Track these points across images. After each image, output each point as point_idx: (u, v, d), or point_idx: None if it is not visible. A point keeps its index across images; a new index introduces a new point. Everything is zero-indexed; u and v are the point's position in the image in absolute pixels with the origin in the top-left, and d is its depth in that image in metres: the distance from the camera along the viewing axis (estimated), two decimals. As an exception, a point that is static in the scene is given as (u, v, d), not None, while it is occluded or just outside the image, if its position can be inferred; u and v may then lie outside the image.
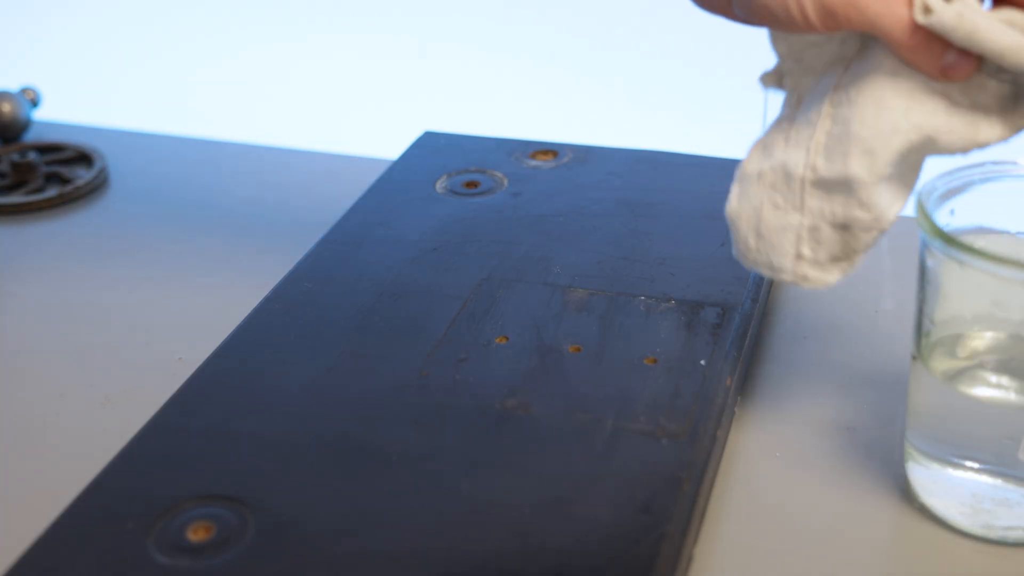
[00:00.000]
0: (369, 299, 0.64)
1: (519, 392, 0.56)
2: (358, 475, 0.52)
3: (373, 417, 0.55)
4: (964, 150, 0.47)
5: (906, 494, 0.54)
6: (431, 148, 0.80)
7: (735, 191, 0.50)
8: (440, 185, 0.75)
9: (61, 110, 0.98)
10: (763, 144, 0.50)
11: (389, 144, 0.85)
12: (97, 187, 0.85)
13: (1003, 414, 0.51)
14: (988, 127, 0.46)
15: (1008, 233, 0.52)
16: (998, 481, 0.50)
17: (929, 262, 0.49)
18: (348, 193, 0.77)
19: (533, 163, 0.77)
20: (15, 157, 0.85)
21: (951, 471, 0.51)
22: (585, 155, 0.78)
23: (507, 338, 0.60)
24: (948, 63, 0.45)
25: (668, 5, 1.43)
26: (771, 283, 0.68)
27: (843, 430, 0.58)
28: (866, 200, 0.47)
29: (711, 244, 0.67)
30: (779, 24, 0.46)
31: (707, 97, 1.33)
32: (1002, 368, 0.51)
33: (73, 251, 0.77)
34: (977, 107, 0.46)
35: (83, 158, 0.89)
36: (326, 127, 0.79)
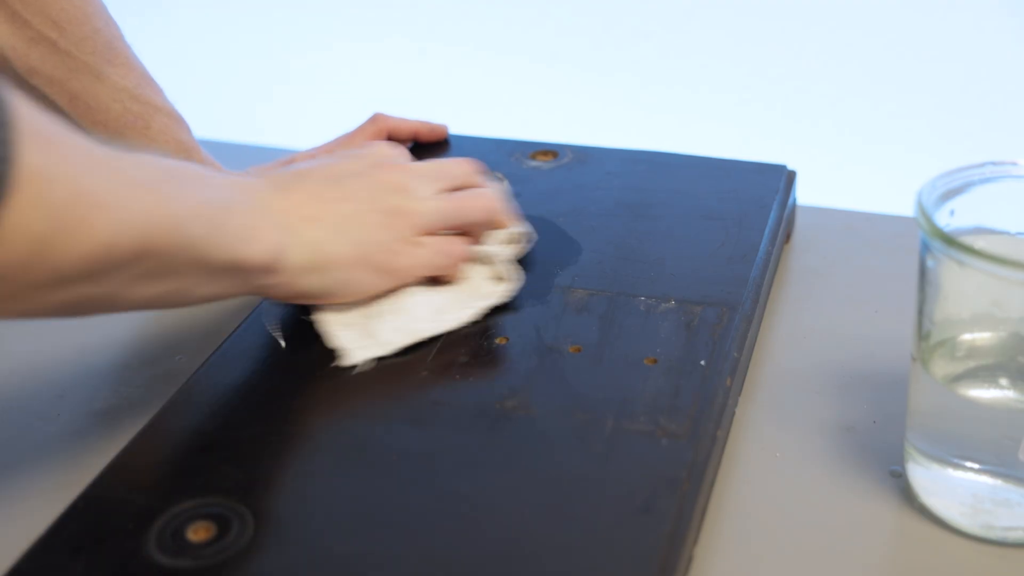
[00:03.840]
0: (369, 299, 0.63)
1: (519, 392, 0.56)
2: (358, 475, 0.52)
3: (373, 417, 0.55)
4: None
5: (906, 494, 0.54)
6: (431, 148, 0.80)
7: None
8: (440, 185, 0.75)
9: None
10: None
11: (388, 144, 0.85)
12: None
13: (1003, 415, 0.51)
14: None
15: (1008, 233, 0.52)
16: (998, 481, 0.50)
17: (929, 262, 0.49)
18: (348, 193, 0.77)
19: (533, 163, 0.77)
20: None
21: (951, 471, 0.51)
22: (585, 155, 0.78)
23: (507, 338, 0.60)
24: None
25: (668, 6, 1.43)
26: (771, 283, 0.68)
27: (843, 430, 0.58)
28: None
29: (711, 244, 0.67)
30: None
31: (707, 97, 1.33)
32: (1001, 369, 0.51)
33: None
34: None
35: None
36: (326, 127, 0.79)
